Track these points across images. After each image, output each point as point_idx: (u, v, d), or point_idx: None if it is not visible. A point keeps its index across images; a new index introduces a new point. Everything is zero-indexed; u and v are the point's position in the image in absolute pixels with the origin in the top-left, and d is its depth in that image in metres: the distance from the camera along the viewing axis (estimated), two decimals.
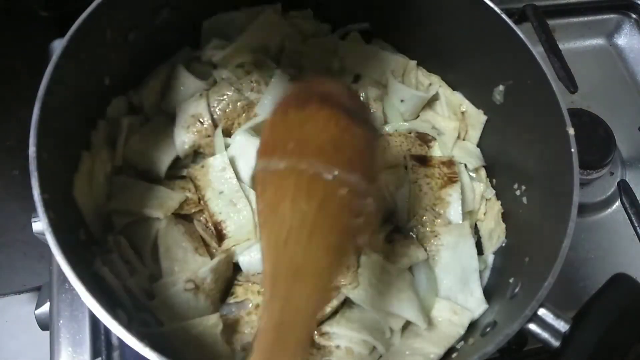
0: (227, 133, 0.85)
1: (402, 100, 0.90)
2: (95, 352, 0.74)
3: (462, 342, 0.73)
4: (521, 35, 0.75)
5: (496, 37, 0.79)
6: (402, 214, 0.82)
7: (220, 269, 0.74)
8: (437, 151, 0.90)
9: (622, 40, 1.23)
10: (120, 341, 0.71)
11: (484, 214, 0.88)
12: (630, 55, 1.21)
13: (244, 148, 0.81)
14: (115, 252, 0.72)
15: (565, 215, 0.65)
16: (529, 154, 0.80)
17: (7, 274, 1.31)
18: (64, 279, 0.76)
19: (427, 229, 0.81)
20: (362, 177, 0.52)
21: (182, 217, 0.78)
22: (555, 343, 0.61)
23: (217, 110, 0.84)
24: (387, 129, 0.90)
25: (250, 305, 0.74)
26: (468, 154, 0.89)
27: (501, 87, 0.83)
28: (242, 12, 0.90)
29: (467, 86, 0.92)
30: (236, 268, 0.77)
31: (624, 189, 1.02)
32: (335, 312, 0.75)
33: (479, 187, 0.88)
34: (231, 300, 0.75)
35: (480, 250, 0.84)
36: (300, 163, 0.51)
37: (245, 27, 0.88)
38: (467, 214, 0.85)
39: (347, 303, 0.75)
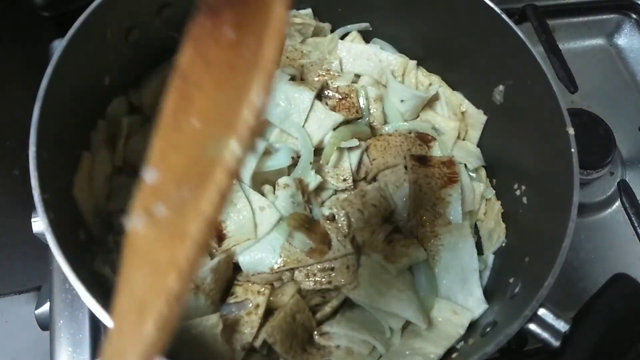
0: None
1: (402, 100, 0.90)
2: (95, 352, 0.74)
3: (462, 342, 0.73)
4: (521, 35, 0.75)
5: (496, 37, 0.79)
6: (402, 214, 0.82)
7: (220, 269, 0.74)
8: (437, 151, 0.90)
9: (622, 40, 1.23)
10: None
11: (484, 214, 0.88)
12: (630, 55, 1.21)
13: None
14: (116, 252, 0.72)
15: (565, 215, 0.65)
16: (529, 154, 0.80)
17: (7, 274, 1.31)
18: (64, 279, 0.76)
19: (427, 229, 0.81)
20: None
21: None
22: (555, 343, 0.62)
23: None
24: (387, 129, 0.90)
25: (250, 305, 0.74)
26: (468, 154, 0.89)
27: (501, 87, 0.83)
28: None
29: (467, 86, 0.93)
30: (236, 268, 0.77)
31: (624, 189, 1.02)
32: (335, 312, 0.75)
33: (479, 187, 0.88)
34: (231, 300, 0.75)
35: (480, 250, 0.84)
36: None
37: None
38: (467, 214, 0.85)
39: (347, 303, 0.75)
